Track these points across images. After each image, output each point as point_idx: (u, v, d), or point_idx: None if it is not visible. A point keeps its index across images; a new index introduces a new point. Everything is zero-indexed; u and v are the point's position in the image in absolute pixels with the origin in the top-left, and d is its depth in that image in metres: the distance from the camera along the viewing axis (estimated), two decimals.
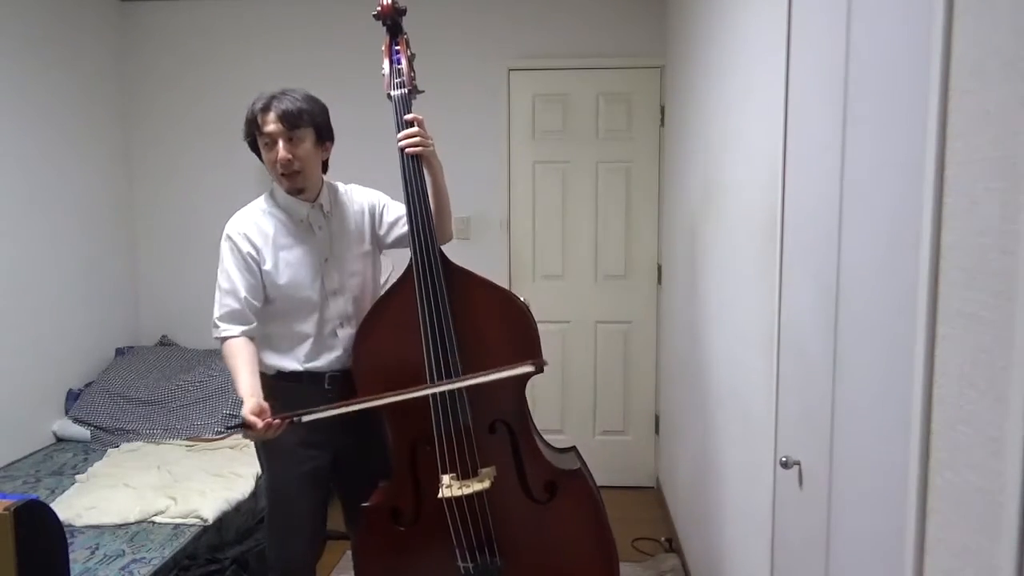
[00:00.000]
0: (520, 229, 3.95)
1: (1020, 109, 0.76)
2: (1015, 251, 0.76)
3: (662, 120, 3.82)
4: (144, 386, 3.65)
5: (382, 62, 2.12)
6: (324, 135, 2.05)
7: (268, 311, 2.06)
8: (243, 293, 2.00)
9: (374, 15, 2.13)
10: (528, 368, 1.89)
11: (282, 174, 1.98)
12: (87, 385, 3.71)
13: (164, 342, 4.13)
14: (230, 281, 2.01)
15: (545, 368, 1.92)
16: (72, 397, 3.63)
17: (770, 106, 1.78)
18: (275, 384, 2.04)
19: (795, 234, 1.61)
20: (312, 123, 1.99)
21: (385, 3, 2.10)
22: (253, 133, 1.99)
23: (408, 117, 2.03)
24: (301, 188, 2.03)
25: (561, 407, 4.00)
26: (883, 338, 1.14)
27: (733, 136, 2.27)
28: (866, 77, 1.21)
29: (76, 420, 3.52)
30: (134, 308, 4.16)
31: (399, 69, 2.09)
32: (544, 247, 3.96)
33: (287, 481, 2.11)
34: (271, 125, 1.95)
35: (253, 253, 2.02)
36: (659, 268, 3.89)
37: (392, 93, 2.08)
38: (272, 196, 2.10)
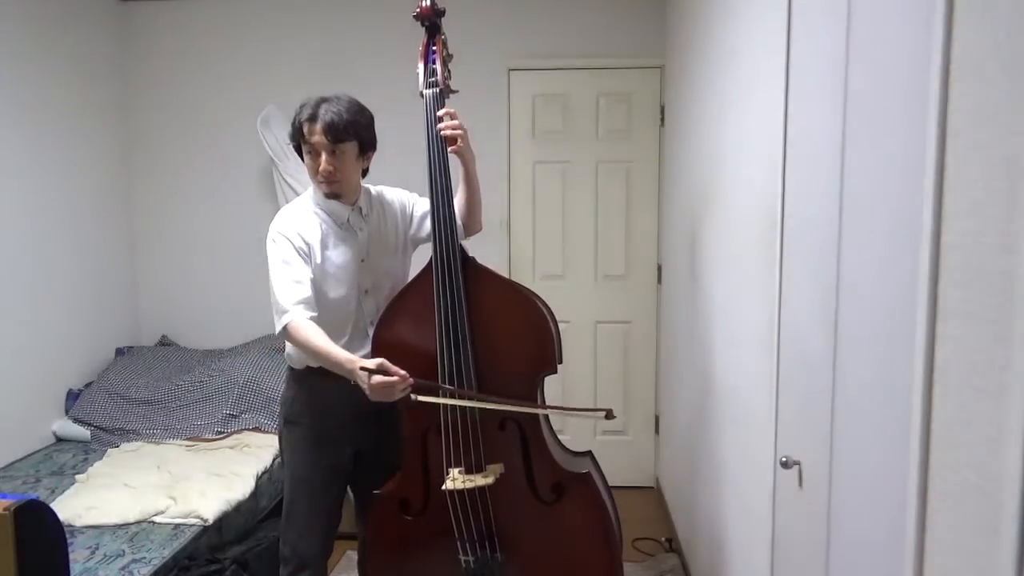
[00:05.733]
0: (520, 229, 3.95)
1: (1020, 109, 0.76)
2: (1015, 251, 0.76)
3: (662, 120, 3.82)
4: (144, 386, 3.65)
5: (418, 62, 2.16)
6: (367, 146, 2.07)
7: None
8: (309, 278, 2.01)
9: (414, 16, 2.16)
10: (599, 415, 1.95)
11: (321, 182, 2.03)
12: (87, 385, 3.71)
13: (164, 342, 4.13)
14: (295, 270, 2.00)
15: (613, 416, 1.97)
16: (72, 397, 3.63)
17: (770, 106, 1.78)
18: (303, 379, 2.09)
19: (795, 234, 1.61)
20: (356, 136, 2.00)
21: (424, 4, 2.14)
22: (298, 139, 2.02)
23: (442, 112, 2.07)
24: (338, 194, 2.06)
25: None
26: (883, 338, 1.14)
27: (733, 136, 2.27)
28: (866, 77, 1.21)
29: (76, 420, 3.52)
30: (134, 308, 4.16)
31: (433, 69, 2.13)
32: (544, 247, 3.96)
33: (311, 473, 2.14)
34: (316, 136, 1.96)
35: (305, 249, 2.04)
36: (659, 268, 3.89)
37: (424, 92, 2.12)
38: (314, 197, 2.12)
